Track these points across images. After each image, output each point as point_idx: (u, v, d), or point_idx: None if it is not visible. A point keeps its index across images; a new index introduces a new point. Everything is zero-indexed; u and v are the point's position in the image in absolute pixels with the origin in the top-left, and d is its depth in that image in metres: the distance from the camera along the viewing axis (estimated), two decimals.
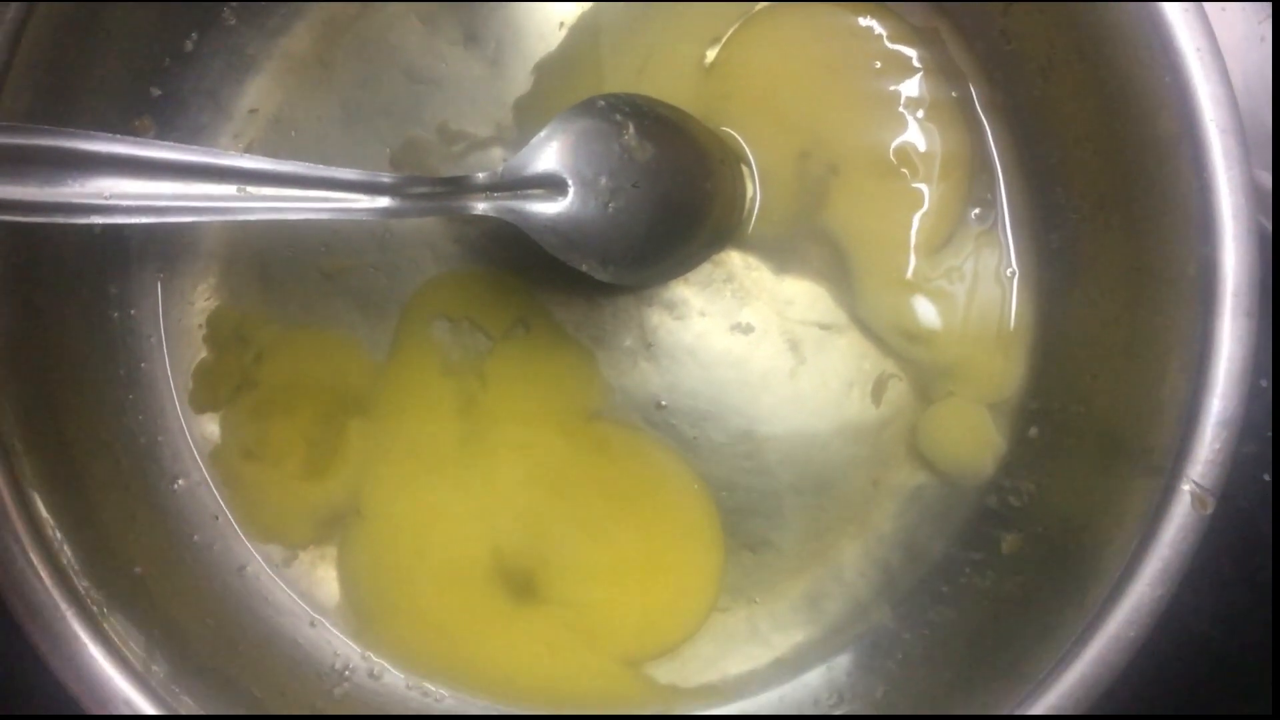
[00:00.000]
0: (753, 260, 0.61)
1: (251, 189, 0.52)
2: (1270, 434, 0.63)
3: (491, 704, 0.60)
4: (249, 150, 0.62)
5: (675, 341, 0.61)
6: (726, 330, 0.61)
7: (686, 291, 0.61)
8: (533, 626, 0.59)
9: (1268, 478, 0.64)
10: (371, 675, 0.59)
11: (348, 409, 0.60)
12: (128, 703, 0.48)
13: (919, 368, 0.60)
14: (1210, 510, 0.48)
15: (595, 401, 0.60)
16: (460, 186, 0.54)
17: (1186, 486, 0.48)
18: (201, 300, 0.61)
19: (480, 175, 0.55)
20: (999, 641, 0.54)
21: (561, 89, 0.61)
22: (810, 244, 0.61)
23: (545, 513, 0.60)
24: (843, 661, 0.60)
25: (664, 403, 0.60)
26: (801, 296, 0.61)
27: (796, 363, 0.60)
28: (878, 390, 0.60)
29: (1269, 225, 0.61)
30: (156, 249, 0.61)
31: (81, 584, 0.51)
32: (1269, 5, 0.62)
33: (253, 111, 0.62)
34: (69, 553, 0.51)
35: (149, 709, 0.49)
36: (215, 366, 0.61)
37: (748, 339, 0.61)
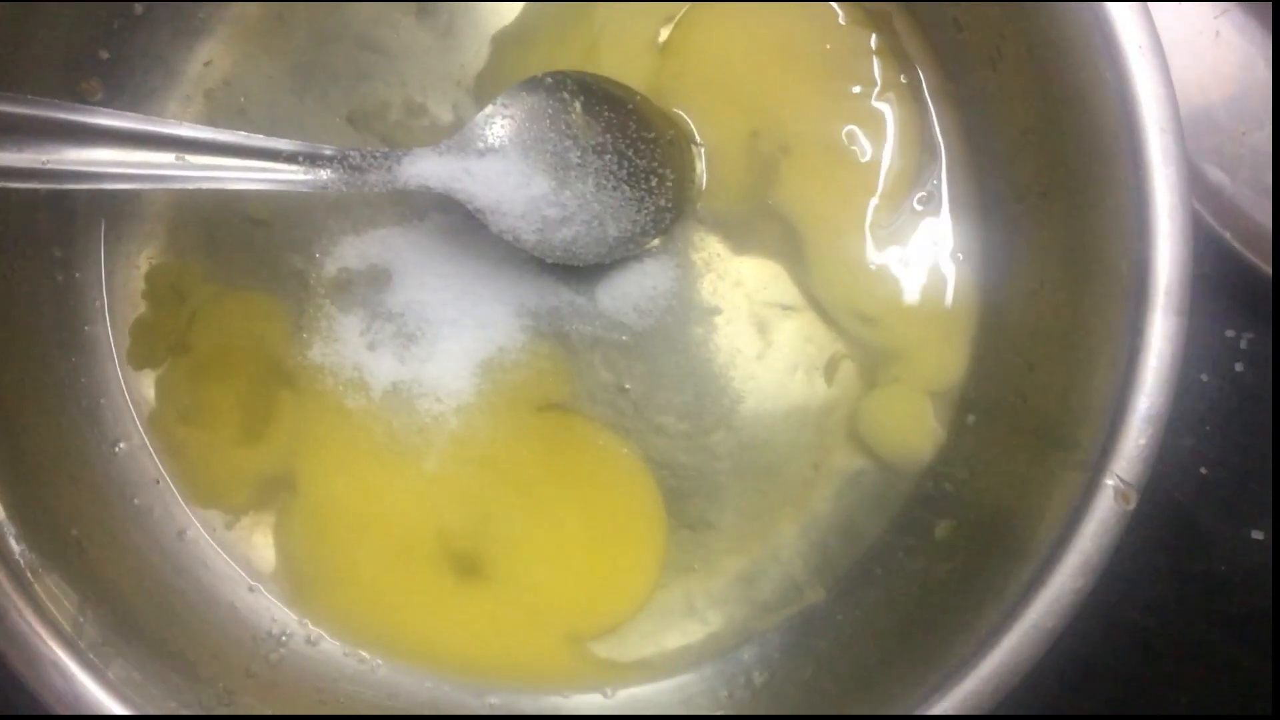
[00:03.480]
0: (710, 240, 0.61)
1: (190, 158, 0.52)
2: (1209, 428, 0.64)
3: (429, 674, 0.60)
4: (197, 116, 0.61)
5: (631, 324, 0.60)
6: (687, 313, 0.61)
7: (643, 272, 0.61)
8: (476, 603, 0.60)
9: (1205, 471, 0.64)
10: (309, 642, 0.60)
11: (278, 378, 0.60)
12: (55, 664, 0.48)
13: (868, 350, 0.61)
14: (1133, 505, 0.49)
15: (551, 392, 0.60)
16: (402, 161, 0.54)
17: (1110, 482, 0.48)
18: (147, 264, 0.61)
19: (423, 150, 0.55)
20: (926, 626, 0.55)
21: (514, 63, 0.61)
22: (764, 223, 0.61)
23: (490, 497, 0.60)
24: (775, 639, 0.60)
25: (627, 386, 0.60)
26: (759, 276, 0.61)
27: (764, 345, 0.61)
28: (829, 371, 0.61)
29: (1216, 225, 0.62)
30: (102, 211, 0.61)
31: (15, 546, 0.51)
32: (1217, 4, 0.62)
33: (203, 75, 0.62)
34: (2, 513, 0.51)
35: (77, 671, 0.49)
36: (153, 322, 0.61)
37: (710, 321, 0.61)
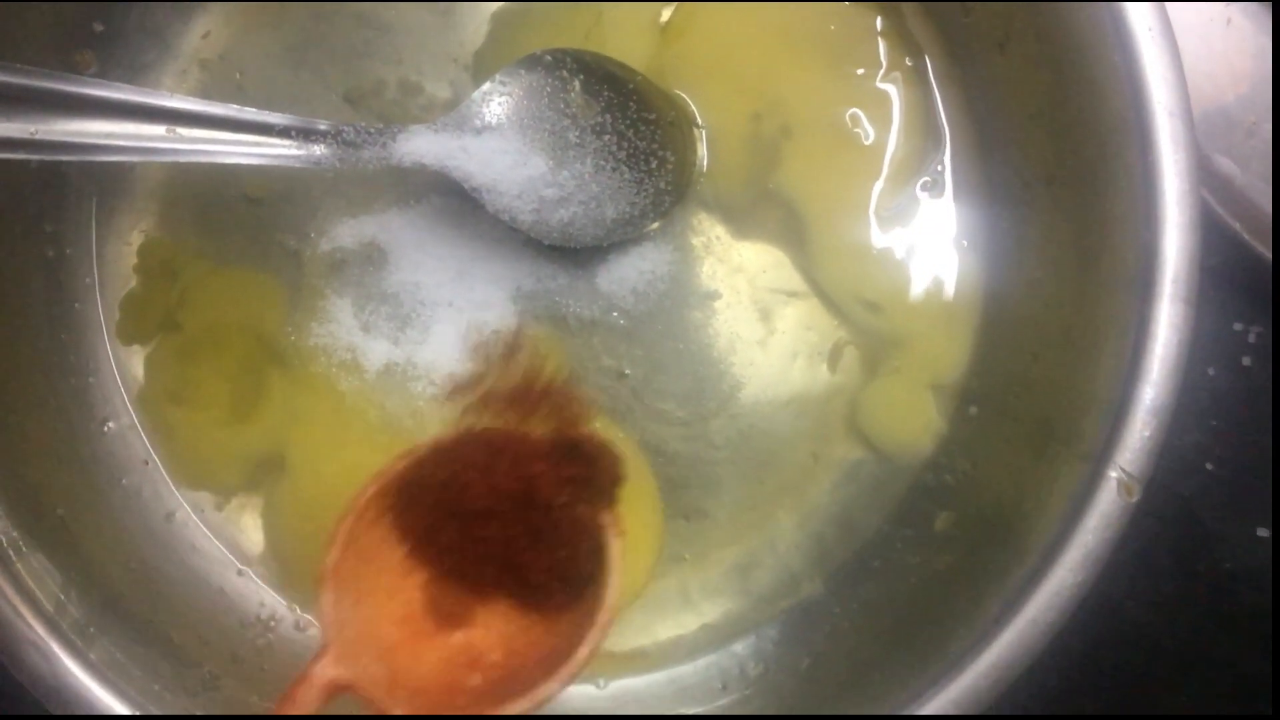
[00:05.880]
0: (710, 224, 0.60)
1: (182, 130, 0.51)
2: (1215, 423, 0.63)
3: None
4: (193, 91, 0.60)
5: (629, 308, 0.59)
6: (686, 297, 0.60)
7: (641, 255, 0.60)
8: None
9: (1210, 466, 0.63)
10: (297, 627, 0.59)
11: (269, 357, 0.59)
12: (35, 645, 0.48)
13: (870, 337, 0.60)
14: (1136, 498, 0.48)
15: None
16: (397, 137, 0.53)
17: (1113, 473, 0.48)
18: (139, 241, 0.60)
19: (419, 126, 0.54)
20: (924, 619, 0.54)
21: (514, 41, 0.60)
22: (766, 208, 0.60)
23: None
24: (771, 632, 0.59)
25: (627, 371, 0.59)
26: (760, 261, 0.60)
27: (765, 332, 0.60)
28: (833, 358, 0.60)
29: (1226, 215, 0.61)
30: (94, 186, 0.60)
31: None
32: None
33: (199, 49, 0.61)
34: None
35: (58, 651, 0.48)
36: (143, 297, 0.60)
37: (709, 306, 0.60)
